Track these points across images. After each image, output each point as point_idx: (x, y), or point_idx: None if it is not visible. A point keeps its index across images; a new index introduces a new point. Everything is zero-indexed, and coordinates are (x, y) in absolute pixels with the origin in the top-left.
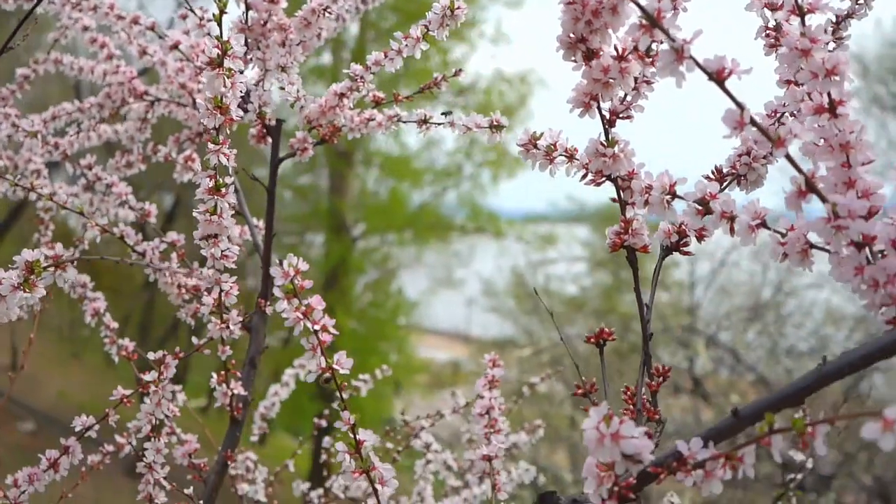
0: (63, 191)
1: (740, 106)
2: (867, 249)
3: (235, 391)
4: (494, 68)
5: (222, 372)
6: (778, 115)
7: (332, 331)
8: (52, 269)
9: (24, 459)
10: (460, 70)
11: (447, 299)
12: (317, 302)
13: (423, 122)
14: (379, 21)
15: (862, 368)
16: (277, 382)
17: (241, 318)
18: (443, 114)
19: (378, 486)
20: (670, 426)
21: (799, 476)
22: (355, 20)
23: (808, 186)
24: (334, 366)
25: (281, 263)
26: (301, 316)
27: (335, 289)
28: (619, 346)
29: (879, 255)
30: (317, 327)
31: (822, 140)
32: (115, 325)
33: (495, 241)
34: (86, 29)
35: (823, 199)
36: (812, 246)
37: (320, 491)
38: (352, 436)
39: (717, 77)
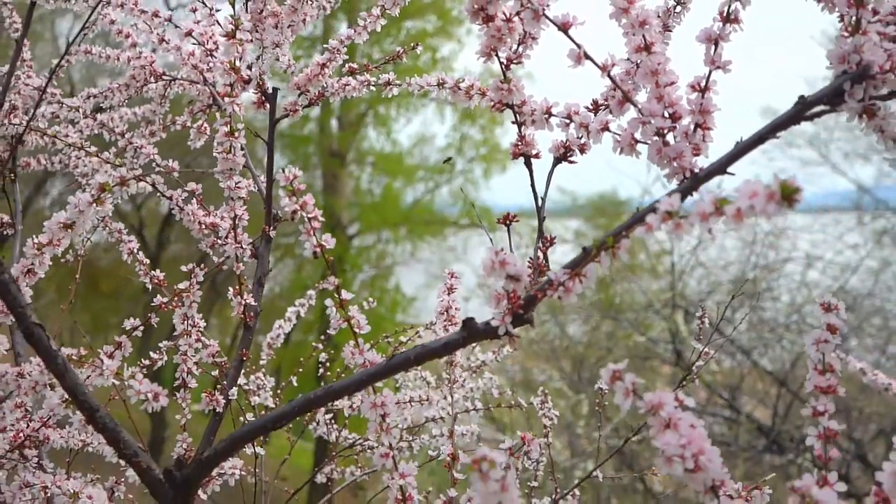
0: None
1: (578, 46)
2: (665, 137)
3: (248, 302)
4: (483, 64)
5: (237, 286)
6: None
7: (320, 218)
8: (118, 186)
9: None
10: (417, 44)
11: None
12: (310, 199)
13: (388, 83)
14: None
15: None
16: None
17: (251, 241)
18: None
19: (356, 330)
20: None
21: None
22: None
23: (625, 98)
24: (322, 242)
25: (284, 170)
26: (298, 207)
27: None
28: (611, 330)
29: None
30: (310, 215)
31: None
32: (147, 261)
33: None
34: (112, 22)
35: (635, 105)
36: (637, 141)
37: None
38: (337, 295)
39: (564, 27)
